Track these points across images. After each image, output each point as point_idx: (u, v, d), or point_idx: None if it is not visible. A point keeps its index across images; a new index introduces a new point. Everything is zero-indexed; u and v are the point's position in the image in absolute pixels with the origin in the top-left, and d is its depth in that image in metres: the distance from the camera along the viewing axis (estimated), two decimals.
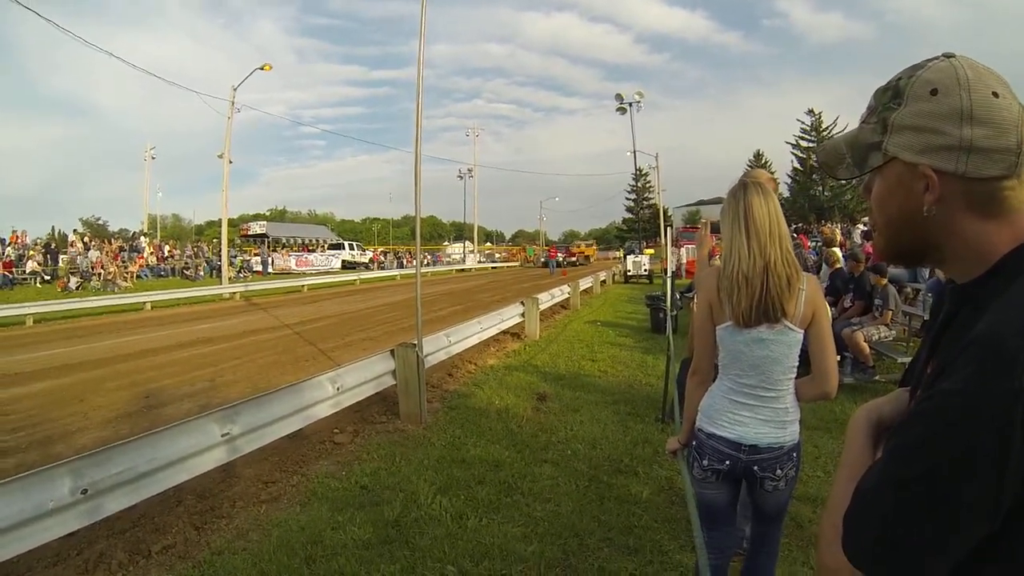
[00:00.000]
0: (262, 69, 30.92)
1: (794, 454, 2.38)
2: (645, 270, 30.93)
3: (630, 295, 22.30)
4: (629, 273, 31.87)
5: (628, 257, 33.27)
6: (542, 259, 56.86)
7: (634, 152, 40.44)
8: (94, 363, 11.41)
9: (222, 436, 4.38)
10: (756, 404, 2.33)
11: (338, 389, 5.74)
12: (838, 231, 23.56)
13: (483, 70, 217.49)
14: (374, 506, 4.43)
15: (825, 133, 61.45)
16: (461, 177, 67.21)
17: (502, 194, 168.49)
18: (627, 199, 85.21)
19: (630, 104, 38.08)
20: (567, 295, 17.07)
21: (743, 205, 2.30)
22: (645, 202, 76.40)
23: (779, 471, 2.35)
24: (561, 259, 50.71)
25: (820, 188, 62.04)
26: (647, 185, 74.91)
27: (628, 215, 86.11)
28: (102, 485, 3.49)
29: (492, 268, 59.37)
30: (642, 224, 59.24)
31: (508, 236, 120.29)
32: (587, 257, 60.67)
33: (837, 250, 10.58)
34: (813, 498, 4.32)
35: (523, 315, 11.93)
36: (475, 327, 9.54)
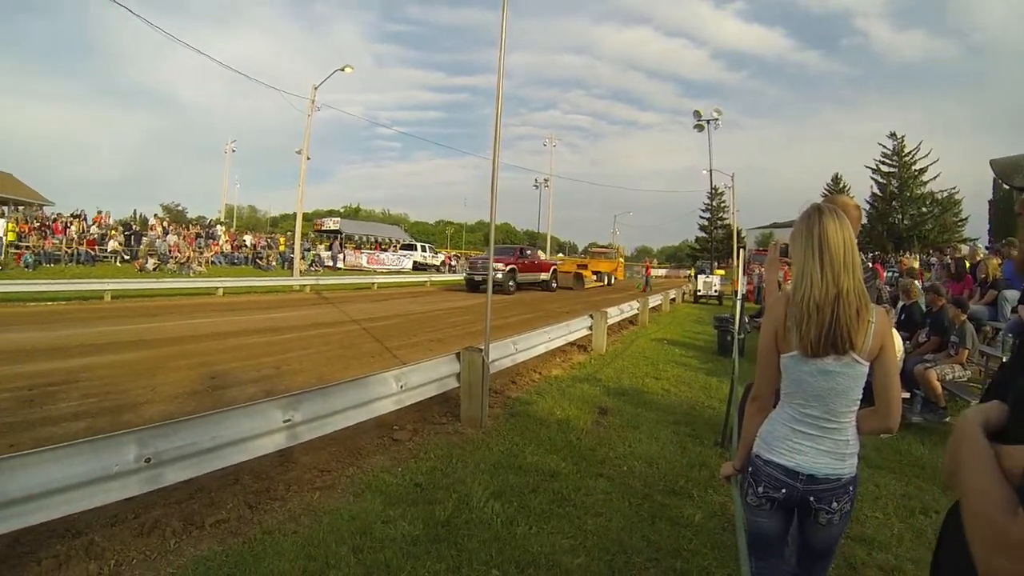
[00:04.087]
0: (342, 70, 31.84)
1: (851, 488, 2.29)
2: (715, 291, 30.27)
3: (698, 315, 22.08)
4: (699, 293, 31.16)
5: (699, 277, 32.51)
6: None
7: (710, 171, 40.02)
8: (165, 341, 11.88)
9: (284, 422, 4.49)
10: (817, 434, 2.25)
11: (402, 387, 5.80)
12: (916, 261, 22.75)
13: (560, 81, 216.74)
14: (426, 504, 4.45)
15: (907, 158, 59.40)
16: (537, 186, 67.41)
17: (576, 206, 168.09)
18: (701, 217, 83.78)
19: (708, 121, 37.64)
20: (636, 311, 16.90)
21: (818, 230, 2.23)
22: (719, 222, 73.97)
23: (835, 504, 2.27)
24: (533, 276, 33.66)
25: (899, 216, 59.07)
26: (722, 205, 73.29)
27: (701, 234, 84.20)
28: (165, 456, 3.65)
29: None
30: (715, 244, 56.00)
31: (580, 248, 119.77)
32: (605, 278, 43.88)
33: (916, 282, 10.24)
34: (869, 540, 4.11)
35: (591, 328, 11.84)
36: (543, 336, 9.51)
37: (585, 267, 42.15)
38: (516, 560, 3.71)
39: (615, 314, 14.20)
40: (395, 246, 52.91)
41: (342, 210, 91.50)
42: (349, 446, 5.77)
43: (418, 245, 52.97)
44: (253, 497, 4.62)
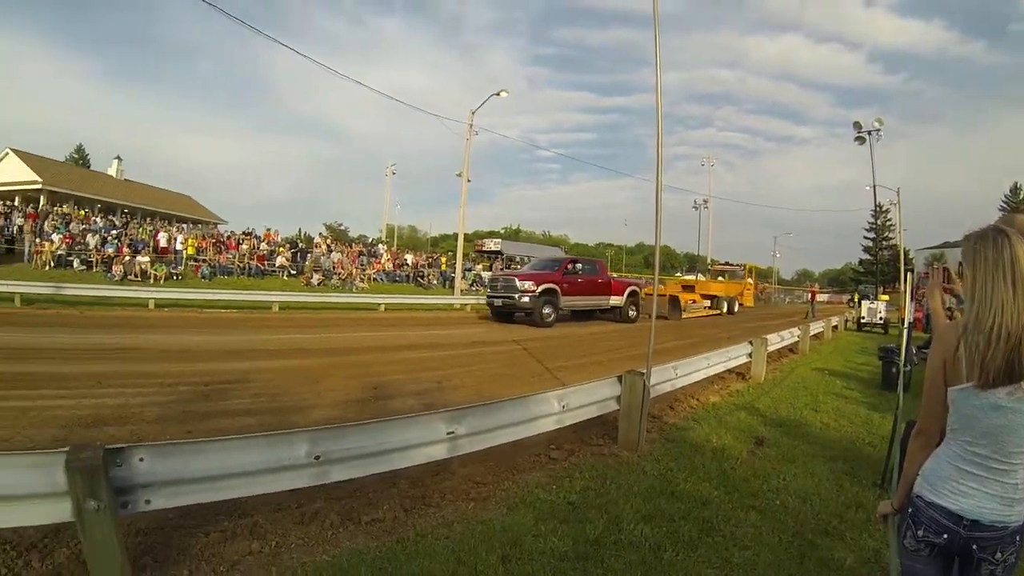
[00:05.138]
0: (498, 95, 32.68)
1: (1017, 537, 2.09)
2: (880, 318, 28.15)
3: (862, 345, 20.73)
4: (863, 320, 28.89)
5: (863, 303, 29.98)
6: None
7: (873, 186, 37.23)
8: (330, 351, 12.66)
9: (447, 434, 4.65)
10: (984, 476, 2.07)
11: (563, 407, 5.83)
12: None
13: (713, 97, 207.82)
14: (577, 522, 4.45)
15: None
16: (696, 207, 64.94)
17: (735, 227, 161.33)
18: (865, 237, 77.25)
19: (869, 132, 35.19)
20: (796, 339, 16.22)
21: (1008, 254, 2.04)
22: (884, 242, 68.37)
23: (999, 554, 2.06)
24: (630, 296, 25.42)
25: None
26: (887, 223, 67.76)
27: (865, 256, 77.30)
28: (333, 456, 3.90)
29: None
30: (880, 266, 52.62)
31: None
32: (724, 304, 34.01)
33: None
34: None
35: (750, 355, 11.44)
36: (702, 362, 9.32)
37: (691, 289, 32.81)
38: None
39: (775, 341, 13.68)
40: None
41: (502, 231, 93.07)
42: (506, 461, 5.86)
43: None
44: (409, 501, 4.80)
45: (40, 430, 6.26)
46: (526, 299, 20.51)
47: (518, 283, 20.98)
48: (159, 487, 3.38)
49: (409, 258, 45.41)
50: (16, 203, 37.46)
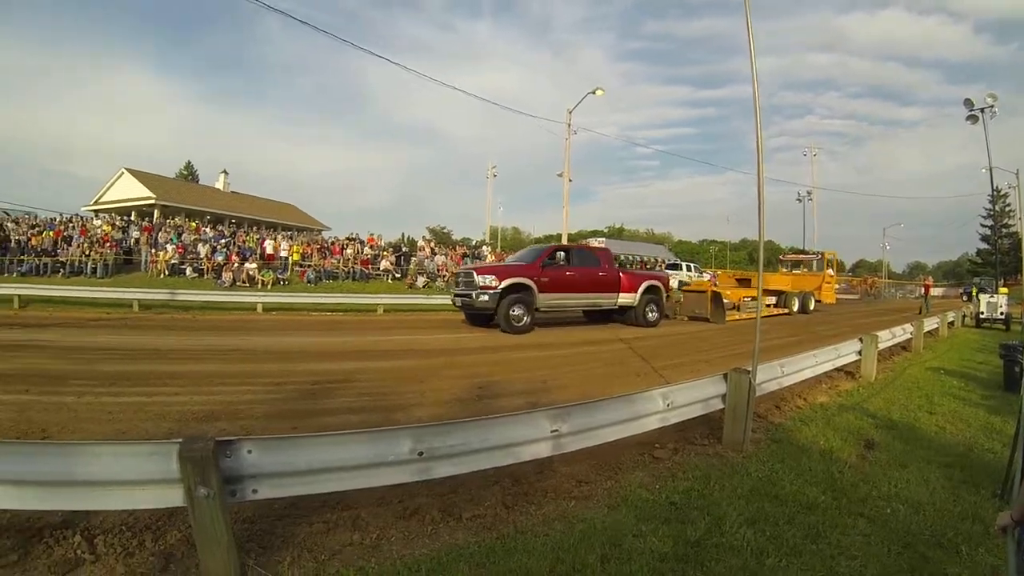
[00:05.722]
0: (593, 93, 32.24)
1: None
2: (1001, 313, 25.85)
3: (981, 342, 19.48)
4: (982, 315, 26.49)
5: (981, 296, 27.82)
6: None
7: (990, 169, 34.59)
8: (435, 352, 12.82)
9: (551, 432, 4.65)
10: None
11: (668, 405, 5.77)
12: None
13: (812, 83, 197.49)
14: (679, 523, 4.38)
15: None
16: (800, 200, 62.26)
17: (841, 219, 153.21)
18: (982, 226, 72.31)
19: (981, 110, 32.79)
20: (909, 335, 15.41)
21: None
22: (1004, 230, 63.09)
23: None
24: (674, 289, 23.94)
25: None
26: (1006, 209, 62.52)
27: (983, 245, 72.89)
28: (437, 452, 3.97)
29: None
30: (999, 256, 47.55)
31: (848, 265, 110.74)
32: (795, 301, 27.36)
33: None
34: None
35: (860, 353, 10.98)
36: (810, 360, 9.01)
37: (747, 283, 27.21)
38: None
39: (886, 338, 13.03)
40: (660, 265, 51.23)
41: (606, 230, 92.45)
42: (609, 460, 5.82)
43: (683, 264, 50.69)
44: (511, 499, 4.83)
45: (156, 424, 6.64)
46: (484, 297, 16.39)
47: (476, 278, 16.71)
48: (265, 478, 3.55)
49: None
50: (132, 218, 40.52)
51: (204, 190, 58.79)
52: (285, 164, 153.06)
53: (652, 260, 53.12)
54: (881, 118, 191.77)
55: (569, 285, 18.09)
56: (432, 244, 44.34)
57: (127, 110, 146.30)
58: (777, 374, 7.75)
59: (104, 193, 50.69)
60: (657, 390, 5.83)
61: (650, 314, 19.72)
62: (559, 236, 35.95)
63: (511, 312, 16.47)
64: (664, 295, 20.56)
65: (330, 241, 40.14)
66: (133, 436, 6.13)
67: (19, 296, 22.03)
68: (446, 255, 39.62)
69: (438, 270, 35.93)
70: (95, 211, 46.17)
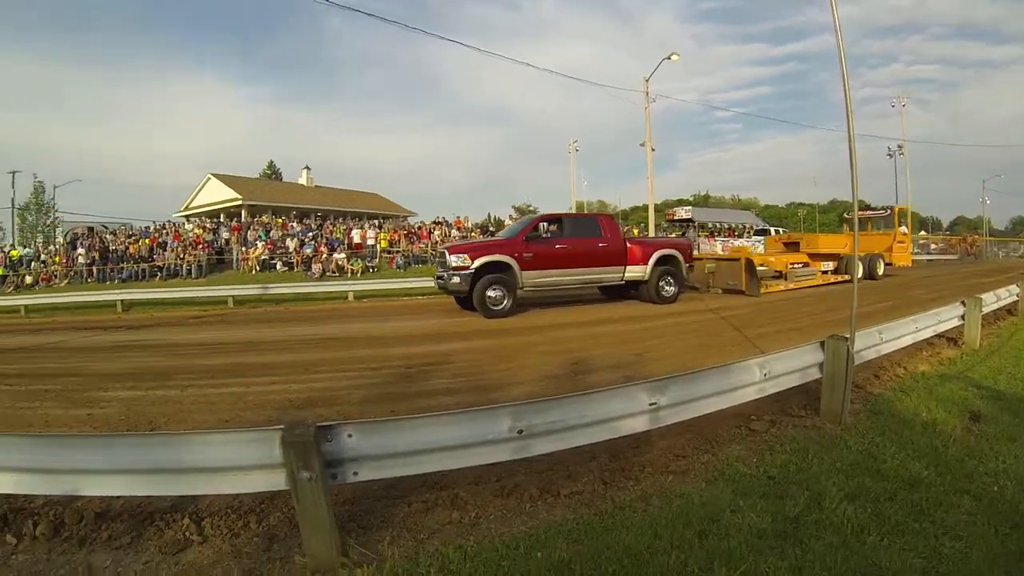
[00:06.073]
0: (669, 59, 31.54)
1: None
2: None
3: None
4: None
5: None
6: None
7: None
8: (528, 329, 12.90)
9: (649, 405, 4.64)
10: None
11: (765, 375, 5.66)
12: None
13: (894, 29, 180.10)
14: (777, 498, 4.32)
15: None
16: (890, 155, 57.52)
17: (936, 173, 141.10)
18: None
19: None
20: (1015, 297, 14.18)
21: None
22: None
23: None
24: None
25: None
26: None
27: None
28: (536, 429, 4.03)
29: (928, 261, 43.88)
30: None
31: (945, 223, 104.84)
32: (862, 268, 22.54)
33: None
34: None
35: (963, 317, 10.32)
36: (910, 326, 8.56)
37: (795, 247, 23.74)
38: (862, 572, 3.46)
39: (991, 301, 12.13)
40: (748, 232, 50.11)
41: (691, 198, 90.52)
42: (706, 433, 5.77)
43: (771, 230, 49.37)
44: (608, 475, 4.85)
45: (256, 412, 6.94)
46: (456, 279, 14.78)
47: (449, 258, 15.21)
48: (366, 460, 3.68)
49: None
50: (221, 219, 42.20)
51: (288, 187, 60.69)
52: (365, 155, 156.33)
53: (740, 227, 51.88)
54: (971, 59, 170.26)
55: (560, 260, 15.95)
56: None
57: (207, 118, 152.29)
58: (875, 341, 7.45)
59: (193, 199, 53.08)
60: (754, 360, 5.72)
61: (667, 288, 17.18)
62: (644, 207, 35.37)
63: (487, 295, 14.76)
64: (683, 265, 17.79)
65: (416, 226, 40.66)
66: (235, 424, 6.43)
67: (122, 300, 23.78)
68: None
69: None
70: (186, 216, 48.53)
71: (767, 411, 6.38)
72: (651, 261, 16.90)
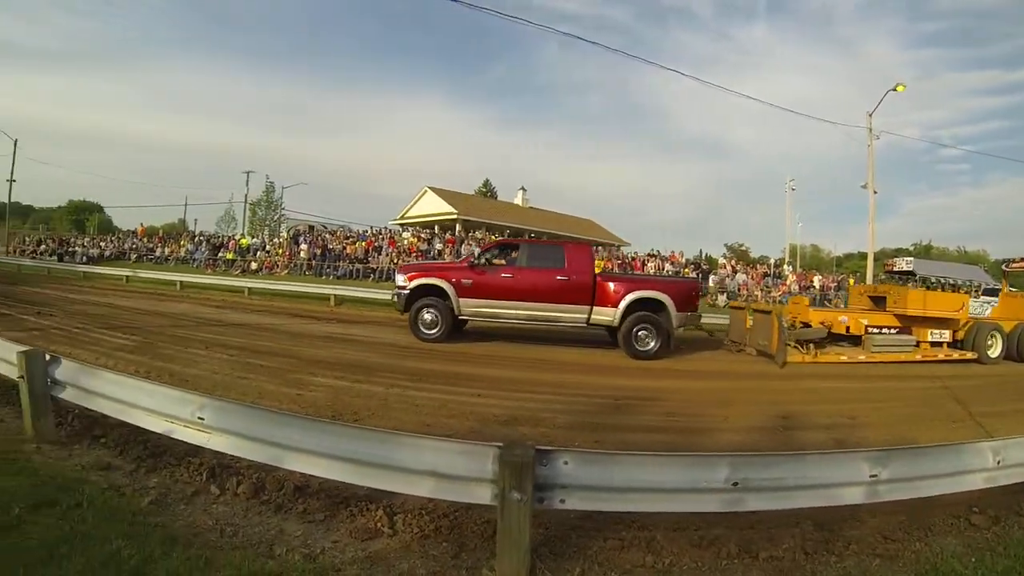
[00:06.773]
0: (894, 90, 29.31)
1: None
2: None
3: None
4: None
5: None
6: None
7: None
8: (738, 375, 12.80)
9: (869, 477, 4.40)
10: None
11: (998, 463, 5.12)
12: None
13: None
14: None
15: None
16: None
17: None
18: None
19: None
20: None
21: None
22: None
23: None
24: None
25: None
26: None
27: None
28: (751, 484, 3.96)
29: None
30: None
31: None
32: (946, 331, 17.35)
33: None
34: None
35: None
36: None
37: (881, 303, 17.92)
38: None
39: None
40: (975, 291, 45.94)
41: (912, 248, 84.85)
42: (919, 519, 5.30)
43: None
44: (811, 545, 4.63)
45: (458, 421, 7.27)
46: (396, 298, 14.60)
47: (396, 276, 15.24)
48: (576, 490, 3.78)
49: (816, 280, 42.03)
50: (435, 231, 44.45)
51: (503, 205, 63.15)
52: (579, 180, 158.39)
53: (967, 284, 47.45)
54: None
55: (506, 291, 14.27)
56: (732, 262, 43.63)
57: (429, 136, 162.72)
58: None
59: (409, 209, 56.30)
60: (987, 443, 5.20)
61: (646, 341, 13.94)
62: (859, 255, 33.11)
63: (424, 317, 14.17)
64: (672, 314, 14.15)
65: (631, 256, 40.90)
66: (437, 429, 6.76)
67: (335, 295, 25.50)
68: (747, 274, 38.47)
69: (739, 289, 34.86)
70: (401, 225, 51.37)
71: (991, 504, 5.71)
72: (622, 304, 14.06)
